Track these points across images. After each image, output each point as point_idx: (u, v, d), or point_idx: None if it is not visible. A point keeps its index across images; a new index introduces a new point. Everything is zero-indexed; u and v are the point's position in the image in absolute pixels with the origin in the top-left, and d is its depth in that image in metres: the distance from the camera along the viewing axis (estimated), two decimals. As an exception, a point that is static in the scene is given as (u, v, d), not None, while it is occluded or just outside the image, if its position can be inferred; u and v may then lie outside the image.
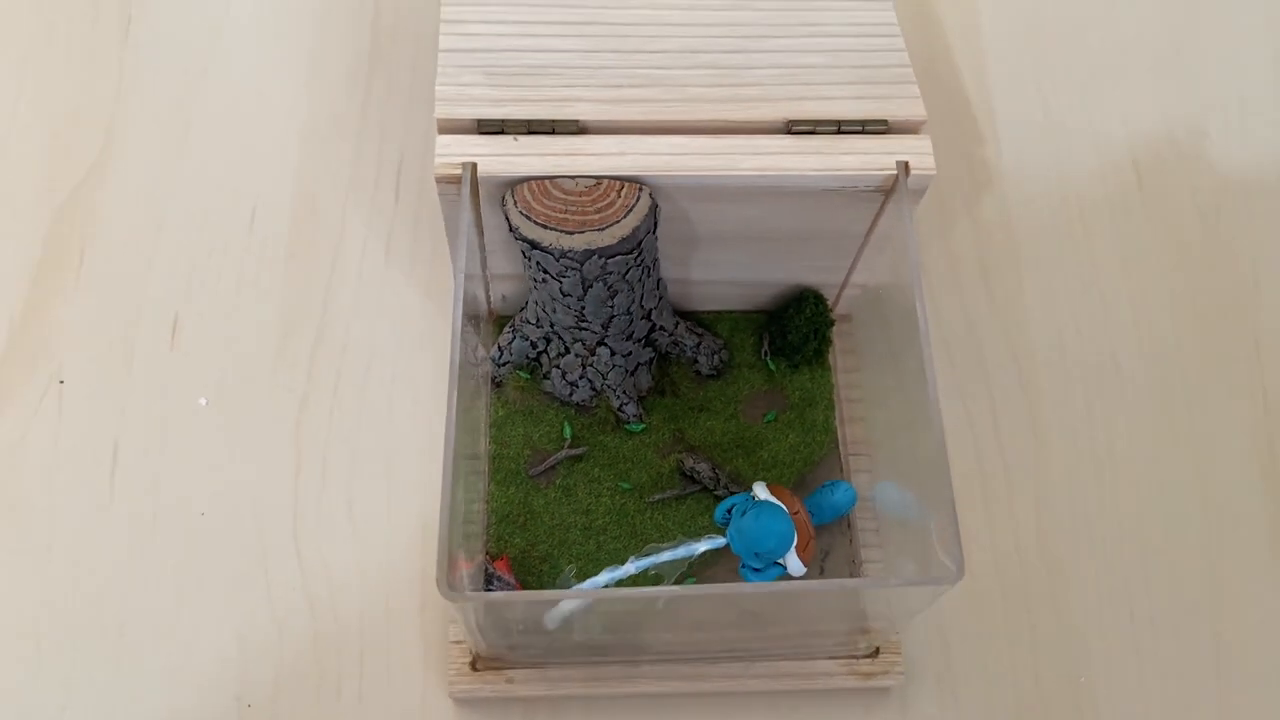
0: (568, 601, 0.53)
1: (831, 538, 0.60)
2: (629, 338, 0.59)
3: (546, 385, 0.62)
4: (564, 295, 0.54)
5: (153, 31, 0.75)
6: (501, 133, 0.52)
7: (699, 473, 0.60)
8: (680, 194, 0.53)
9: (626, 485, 0.60)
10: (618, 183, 0.51)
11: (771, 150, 0.53)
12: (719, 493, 0.60)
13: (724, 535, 0.54)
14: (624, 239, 0.51)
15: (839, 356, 0.65)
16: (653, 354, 0.61)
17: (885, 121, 0.53)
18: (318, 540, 0.61)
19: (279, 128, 0.72)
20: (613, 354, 0.59)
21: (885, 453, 0.60)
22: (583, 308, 0.55)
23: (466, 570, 0.53)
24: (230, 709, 0.57)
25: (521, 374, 0.62)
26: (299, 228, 0.69)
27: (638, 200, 0.51)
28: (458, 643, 0.57)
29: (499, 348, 0.61)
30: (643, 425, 0.61)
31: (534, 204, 0.51)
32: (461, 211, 0.51)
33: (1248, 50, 0.79)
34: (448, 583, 0.43)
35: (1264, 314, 0.70)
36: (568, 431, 0.61)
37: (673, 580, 0.56)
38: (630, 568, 0.55)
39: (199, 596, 0.60)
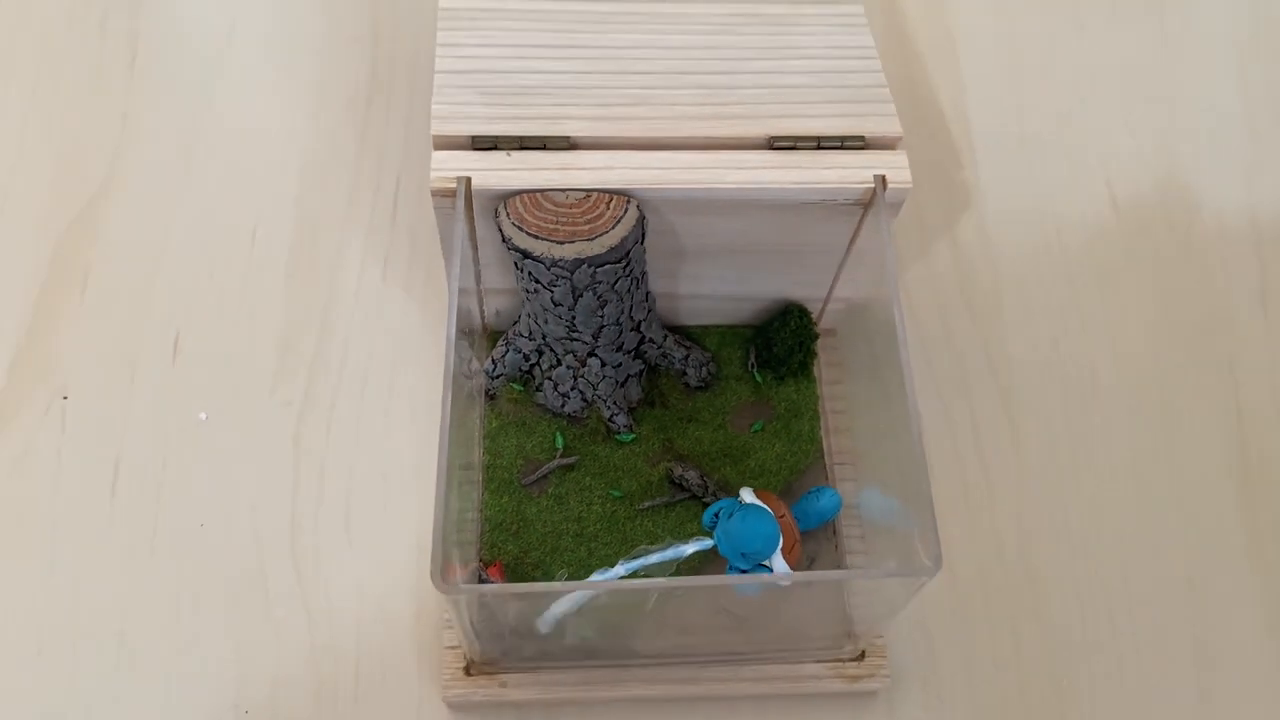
0: (560, 604, 0.55)
1: (817, 544, 0.62)
2: (619, 349, 0.61)
3: (539, 397, 0.63)
4: (555, 305, 0.56)
5: (158, 61, 0.77)
6: (495, 148, 0.54)
7: (688, 480, 0.61)
8: (667, 207, 0.55)
9: (617, 493, 0.61)
10: (606, 195, 0.53)
11: (754, 165, 0.55)
12: (707, 500, 0.61)
13: (712, 538, 0.56)
14: (613, 249, 0.53)
15: (824, 369, 0.67)
16: (642, 366, 0.63)
17: (863, 138, 0.56)
18: (315, 551, 0.63)
19: (279, 153, 0.74)
20: (603, 365, 0.61)
21: (869, 461, 0.62)
22: (573, 317, 0.57)
23: (461, 576, 0.54)
24: (228, 716, 0.58)
25: (515, 386, 0.64)
26: (298, 249, 0.71)
27: (626, 212, 0.53)
28: (452, 648, 0.59)
29: (492, 360, 0.63)
30: (633, 435, 0.63)
31: (526, 215, 0.53)
32: (456, 224, 0.53)
33: (1218, 73, 0.81)
34: (441, 577, 0.45)
35: (1237, 327, 0.72)
36: (560, 441, 0.63)
37: (659, 594, 0.57)
38: (620, 570, 0.56)
39: (198, 606, 0.61)
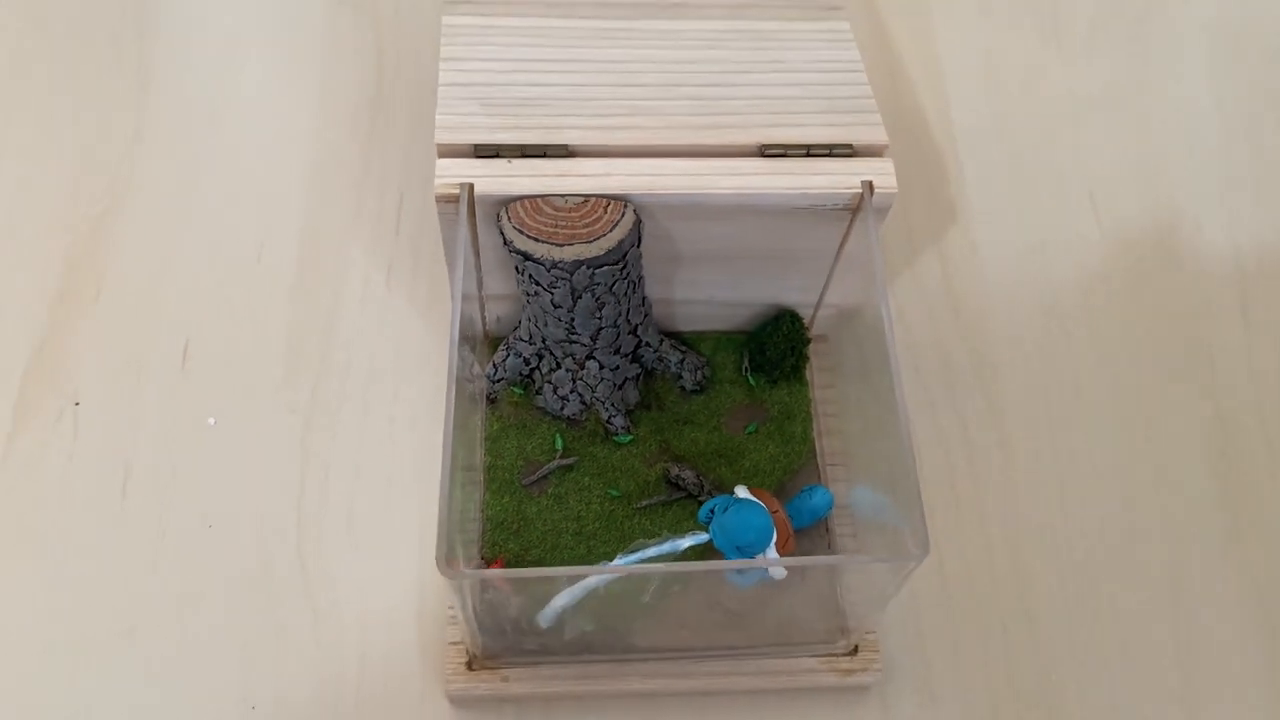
0: (560, 597, 0.56)
1: (811, 541, 0.63)
2: (616, 351, 0.63)
3: (539, 400, 0.65)
4: (555, 307, 0.58)
5: (169, 78, 0.80)
6: (497, 156, 0.56)
7: (684, 480, 0.63)
8: (662, 212, 0.57)
9: (615, 492, 0.63)
10: (604, 200, 0.56)
11: (746, 171, 0.57)
12: (702, 498, 0.63)
13: (707, 532, 0.57)
14: (610, 251, 0.55)
15: (816, 374, 0.69)
16: (639, 370, 0.65)
17: (850, 145, 0.58)
18: (320, 550, 0.64)
19: (286, 167, 0.76)
20: (601, 367, 0.63)
21: (860, 461, 0.64)
22: (572, 319, 0.59)
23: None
24: (235, 711, 0.60)
25: (515, 390, 0.66)
26: (304, 259, 0.73)
27: (623, 216, 0.55)
28: (455, 644, 0.60)
29: (494, 365, 0.65)
30: (630, 437, 0.65)
31: (527, 220, 0.55)
32: (459, 229, 0.55)
33: (1196, 90, 0.84)
34: (445, 562, 0.46)
35: (1215, 334, 0.74)
36: (559, 443, 0.64)
37: (657, 584, 0.59)
38: (619, 564, 0.57)
39: (206, 604, 0.62)
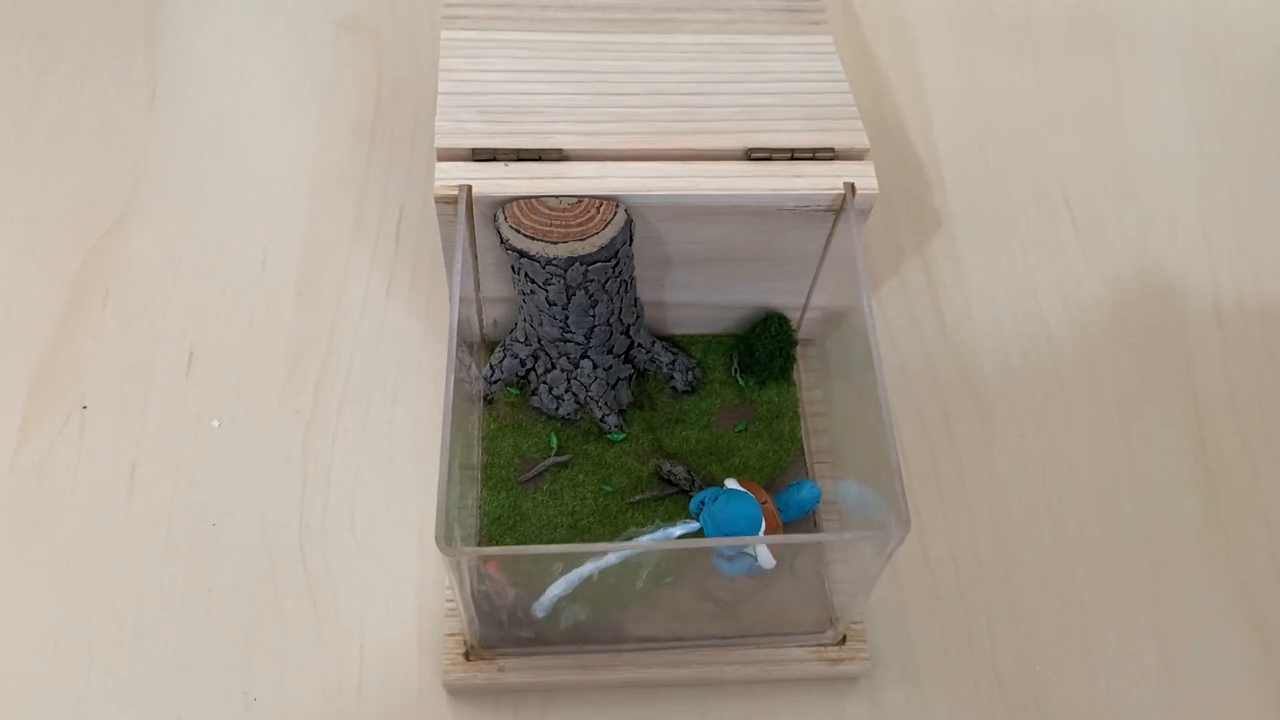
0: (556, 586, 0.58)
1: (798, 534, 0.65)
2: (609, 351, 0.65)
3: (534, 401, 0.67)
4: (550, 305, 0.60)
5: (176, 96, 0.83)
6: (494, 159, 0.59)
7: (675, 476, 0.65)
8: (653, 213, 0.60)
9: (609, 488, 0.65)
10: (597, 200, 0.58)
11: (732, 174, 0.59)
12: (694, 493, 0.64)
13: (699, 522, 0.59)
14: (603, 248, 0.57)
15: (804, 376, 0.71)
16: (631, 370, 0.67)
17: (833, 149, 0.60)
18: (322, 549, 0.66)
19: (290, 181, 0.79)
20: (595, 367, 0.65)
21: (846, 456, 0.66)
22: (566, 317, 0.61)
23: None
24: (237, 702, 0.61)
25: (511, 391, 0.68)
26: (306, 269, 0.75)
27: (615, 215, 0.58)
28: (452, 635, 0.61)
29: (491, 366, 0.67)
30: (623, 434, 0.66)
31: (522, 219, 0.57)
32: (458, 229, 0.58)
33: (1169, 99, 0.87)
34: (444, 540, 0.48)
35: (1192, 332, 0.76)
36: (554, 441, 0.66)
37: (650, 570, 0.60)
38: (612, 558, 0.59)
39: (209, 600, 0.64)
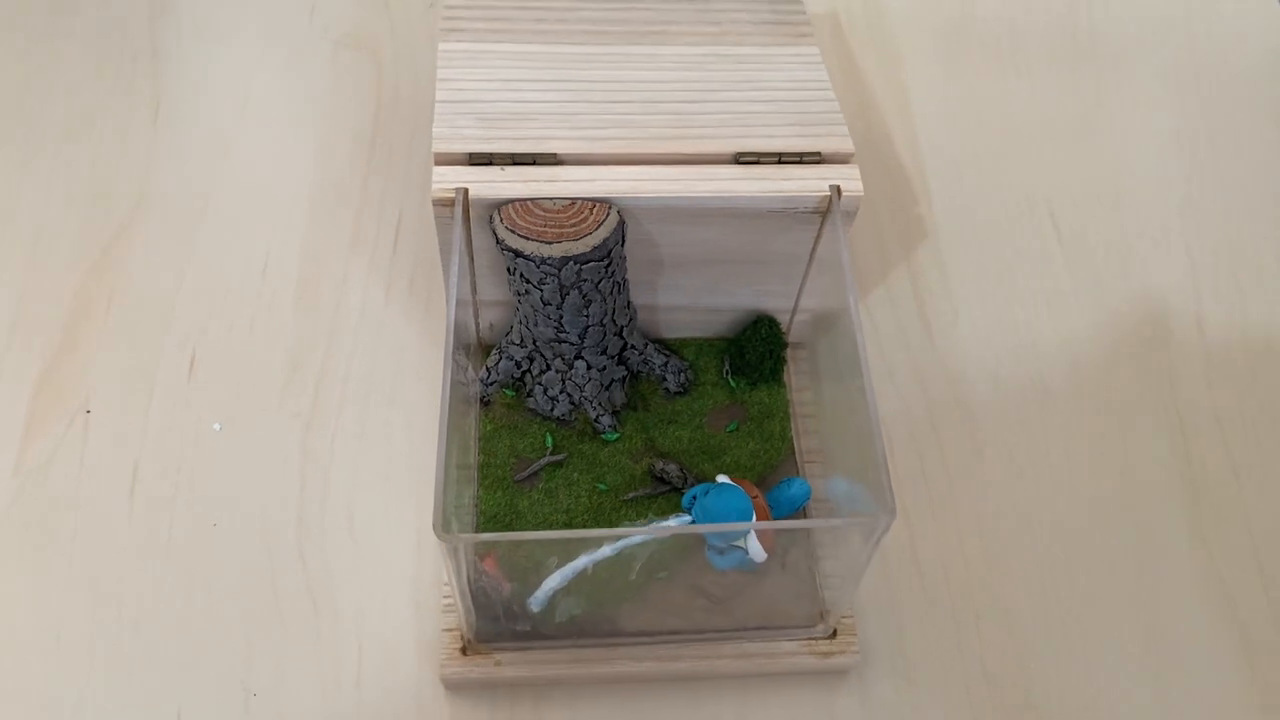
0: (552, 579, 0.59)
1: (790, 533, 0.66)
2: (603, 352, 0.66)
3: (530, 402, 0.68)
4: (544, 304, 0.62)
5: (179, 112, 0.84)
6: (490, 163, 0.60)
7: (668, 474, 0.66)
8: (645, 215, 0.61)
9: (603, 486, 0.66)
10: (590, 202, 0.60)
11: (722, 177, 0.61)
12: (686, 491, 0.66)
13: (690, 515, 0.60)
14: (596, 248, 0.59)
15: (794, 378, 0.72)
16: (625, 372, 0.69)
17: (819, 153, 0.62)
18: (320, 548, 0.67)
19: (290, 191, 0.81)
20: (589, 367, 0.66)
21: (834, 453, 0.67)
22: (561, 316, 0.62)
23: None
24: (237, 697, 0.62)
25: (507, 392, 0.69)
26: (306, 277, 0.77)
27: (607, 216, 0.59)
28: (449, 630, 0.63)
29: (487, 369, 0.68)
30: (617, 434, 0.68)
31: (518, 220, 0.59)
32: (455, 231, 0.59)
33: (1148, 116, 0.89)
34: (442, 527, 0.49)
35: (1174, 341, 0.78)
36: (550, 441, 0.68)
37: (644, 562, 0.62)
38: (607, 550, 0.60)
39: (210, 598, 0.65)
